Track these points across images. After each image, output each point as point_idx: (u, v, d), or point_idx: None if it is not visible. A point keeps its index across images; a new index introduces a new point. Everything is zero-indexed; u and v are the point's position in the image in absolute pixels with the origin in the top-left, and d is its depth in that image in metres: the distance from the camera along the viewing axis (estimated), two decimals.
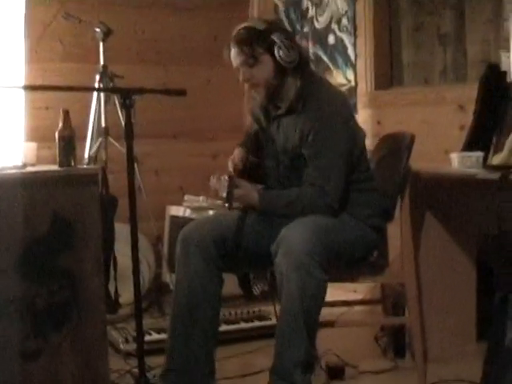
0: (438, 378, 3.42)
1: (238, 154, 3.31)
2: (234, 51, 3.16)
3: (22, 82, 4.83)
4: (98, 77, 4.55)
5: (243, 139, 3.41)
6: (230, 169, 3.14)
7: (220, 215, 3.46)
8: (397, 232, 3.48)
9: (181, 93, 3.03)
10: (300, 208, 3.09)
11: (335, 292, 3.38)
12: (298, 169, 3.18)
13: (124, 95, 2.90)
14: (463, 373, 3.43)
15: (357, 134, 3.23)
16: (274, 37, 3.12)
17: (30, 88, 4.50)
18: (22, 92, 4.87)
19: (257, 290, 4.81)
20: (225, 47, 3.20)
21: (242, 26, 3.18)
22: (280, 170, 3.26)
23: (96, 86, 4.55)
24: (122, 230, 4.28)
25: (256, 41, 3.11)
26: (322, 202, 3.09)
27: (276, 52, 3.12)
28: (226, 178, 3.02)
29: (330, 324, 3.33)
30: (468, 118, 3.99)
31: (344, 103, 3.30)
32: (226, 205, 3.07)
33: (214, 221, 3.32)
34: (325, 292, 2.98)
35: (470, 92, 4.04)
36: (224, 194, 3.02)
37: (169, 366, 3.19)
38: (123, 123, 2.93)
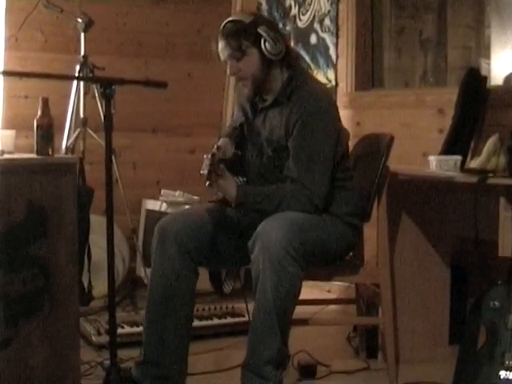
0: (410, 379, 3.42)
1: (223, 142, 3.27)
2: (221, 44, 3.16)
3: (1, 68, 4.80)
4: (78, 67, 4.52)
5: (228, 131, 3.39)
6: (214, 150, 3.09)
7: (197, 209, 3.44)
8: (372, 233, 3.49)
9: (162, 85, 3.00)
10: (280, 203, 3.06)
11: (310, 291, 3.38)
12: (281, 161, 3.16)
13: (104, 85, 2.87)
14: (434, 375, 3.44)
15: (341, 132, 3.23)
16: (260, 30, 3.12)
17: (9, 74, 4.44)
18: (1, 79, 4.83)
19: (227, 287, 4.80)
20: (212, 40, 3.21)
21: (229, 19, 3.19)
22: (263, 161, 3.24)
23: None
24: (97, 222, 4.27)
25: (243, 34, 3.11)
26: (304, 199, 3.05)
27: (262, 45, 3.12)
28: (209, 156, 2.98)
29: (303, 322, 3.33)
30: (447, 122, 4.01)
31: (331, 100, 3.31)
32: (207, 183, 3.02)
33: (191, 214, 3.30)
34: (299, 289, 2.97)
35: (449, 96, 4.06)
36: (205, 172, 2.98)
37: (143, 358, 3.17)
38: (102, 115, 2.90)
